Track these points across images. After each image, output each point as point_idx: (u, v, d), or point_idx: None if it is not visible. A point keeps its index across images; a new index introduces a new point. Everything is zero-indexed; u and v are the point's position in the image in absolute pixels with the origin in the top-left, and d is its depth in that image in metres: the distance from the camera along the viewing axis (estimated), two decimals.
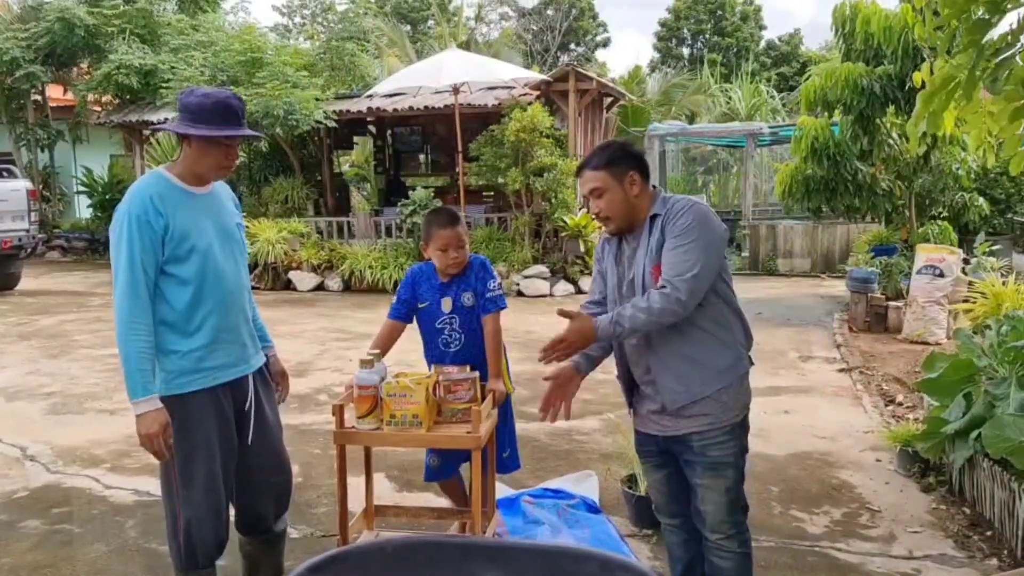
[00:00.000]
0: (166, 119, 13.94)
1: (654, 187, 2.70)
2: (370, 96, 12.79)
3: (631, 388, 2.79)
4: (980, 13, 2.90)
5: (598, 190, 2.61)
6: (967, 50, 2.92)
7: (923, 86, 3.64)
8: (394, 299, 3.36)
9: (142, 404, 2.57)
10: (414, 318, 3.34)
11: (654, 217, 2.60)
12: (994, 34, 2.97)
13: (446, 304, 3.24)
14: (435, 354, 3.29)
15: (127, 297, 2.57)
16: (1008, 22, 2.94)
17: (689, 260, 2.47)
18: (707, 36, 33.40)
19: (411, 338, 3.41)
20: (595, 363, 2.87)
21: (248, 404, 2.83)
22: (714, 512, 2.65)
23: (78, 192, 18.65)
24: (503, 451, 3.42)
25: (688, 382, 2.59)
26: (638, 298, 2.52)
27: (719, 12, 33.01)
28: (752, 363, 2.72)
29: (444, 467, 3.38)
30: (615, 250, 2.75)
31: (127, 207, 2.61)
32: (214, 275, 2.70)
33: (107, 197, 17.90)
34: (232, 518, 2.91)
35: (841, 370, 6.95)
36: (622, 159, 2.63)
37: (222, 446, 2.74)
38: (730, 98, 20.96)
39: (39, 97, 17.37)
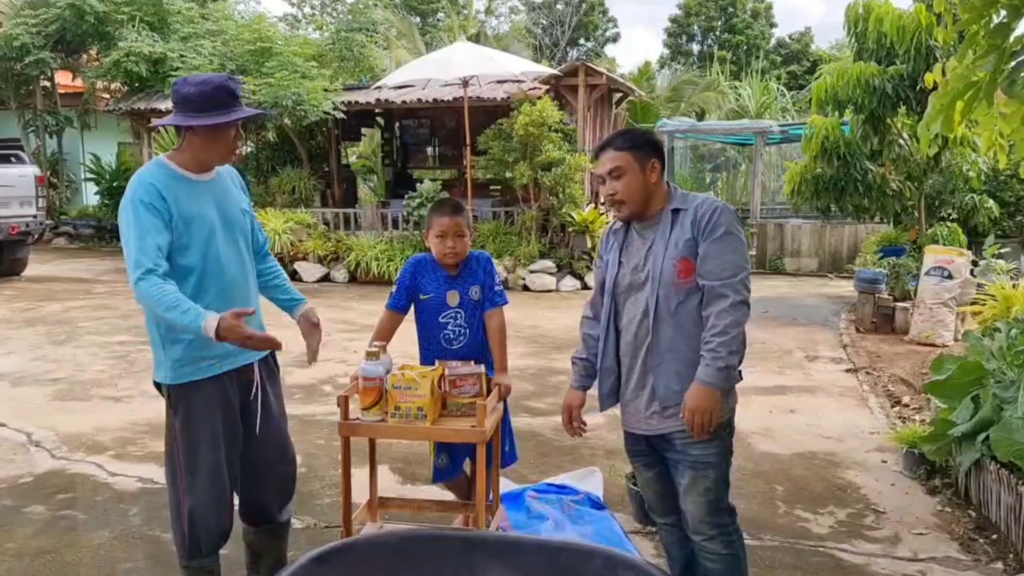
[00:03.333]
0: (169, 110, 13.94)
1: (668, 183, 2.70)
2: (379, 88, 12.75)
3: (616, 380, 2.76)
4: (1000, 17, 2.88)
5: (618, 170, 2.60)
6: (988, 55, 2.89)
7: (935, 87, 3.61)
8: (393, 288, 3.31)
9: (208, 326, 2.48)
10: (411, 309, 3.29)
11: (676, 211, 2.60)
12: (1009, 37, 2.95)
13: (452, 298, 3.21)
14: (435, 350, 3.23)
15: (144, 277, 2.52)
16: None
17: (737, 260, 2.53)
18: (717, 33, 33.31)
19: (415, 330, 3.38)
20: (594, 375, 2.89)
21: (254, 393, 2.82)
22: (694, 512, 2.65)
23: (86, 179, 18.66)
24: (503, 445, 3.40)
25: (684, 382, 2.58)
26: (709, 327, 2.50)
27: (730, 9, 32.91)
28: (741, 378, 2.70)
29: (452, 466, 3.36)
30: (622, 240, 2.74)
31: (132, 195, 2.60)
32: (215, 263, 2.69)
33: (115, 184, 17.88)
34: (236, 508, 2.91)
35: (847, 370, 6.93)
36: (646, 145, 2.64)
37: (227, 435, 2.73)
38: (739, 95, 20.89)
39: (48, 83, 17.36)
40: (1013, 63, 2.92)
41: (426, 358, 3.25)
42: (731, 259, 2.52)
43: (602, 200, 2.77)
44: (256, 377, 2.83)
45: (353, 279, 12.08)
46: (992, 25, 2.93)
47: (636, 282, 2.64)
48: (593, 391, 2.88)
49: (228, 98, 2.64)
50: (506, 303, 3.28)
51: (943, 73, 3.52)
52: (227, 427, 2.73)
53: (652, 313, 2.58)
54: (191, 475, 2.70)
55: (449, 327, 3.22)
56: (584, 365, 2.87)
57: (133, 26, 15.32)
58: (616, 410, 2.95)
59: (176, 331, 2.64)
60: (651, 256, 2.60)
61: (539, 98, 11.50)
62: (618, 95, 14.13)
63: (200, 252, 2.65)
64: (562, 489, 4.04)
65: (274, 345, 2.60)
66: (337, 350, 7.51)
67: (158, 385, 2.76)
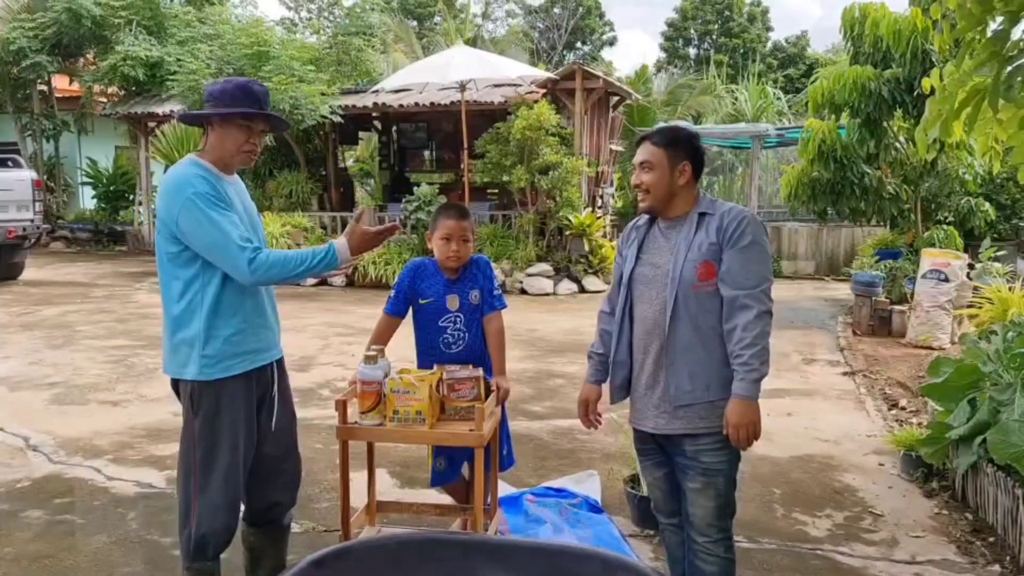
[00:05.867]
0: (172, 111, 13.94)
1: (699, 189, 2.72)
2: (376, 92, 12.78)
3: (628, 374, 2.77)
4: (997, 23, 2.89)
5: (648, 163, 2.66)
6: (990, 61, 2.90)
7: (932, 92, 3.62)
8: (391, 293, 3.30)
9: (343, 254, 2.66)
10: (408, 313, 3.29)
11: (702, 215, 2.63)
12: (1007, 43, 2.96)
13: (452, 302, 3.21)
14: (433, 354, 3.22)
15: (257, 251, 2.57)
16: (1021, 28, 2.93)
17: (761, 271, 2.57)
18: (714, 37, 33.41)
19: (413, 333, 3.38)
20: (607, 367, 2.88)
21: (270, 392, 2.84)
22: (703, 516, 2.66)
23: (83, 183, 18.66)
24: (501, 449, 3.40)
25: (697, 383, 2.59)
26: (737, 340, 2.51)
27: (726, 13, 33.01)
28: None
29: (450, 470, 3.36)
30: (643, 236, 2.75)
31: (190, 191, 2.59)
32: None
33: (111, 188, 17.91)
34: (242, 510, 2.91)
35: (845, 373, 6.94)
36: (683, 147, 2.67)
37: (245, 436, 2.75)
38: (736, 99, 20.92)
39: (45, 87, 17.38)
40: (1010, 67, 2.93)
41: (424, 362, 3.25)
42: (756, 269, 2.55)
43: (632, 184, 2.79)
44: (274, 377, 2.85)
45: (351, 283, 12.09)
46: (990, 32, 2.95)
47: (653, 278, 2.65)
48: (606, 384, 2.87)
49: (242, 95, 2.69)
50: (505, 307, 3.29)
51: (940, 78, 3.53)
52: (246, 428, 2.75)
53: (669, 312, 2.59)
54: (205, 476, 2.70)
55: (448, 331, 3.22)
56: (600, 359, 2.87)
57: (130, 30, 15.33)
58: (615, 413, 2.96)
59: (225, 325, 2.65)
60: (673, 256, 2.62)
61: (536, 102, 11.52)
62: (615, 99, 14.14)
63: None
64: (560, 493, 4.04)
65: (395, 227, 2.82)
66: (335, 354, 7.51)
67: (176, 383, 2.76)
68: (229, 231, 2.57)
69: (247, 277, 2.59)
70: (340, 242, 2.67)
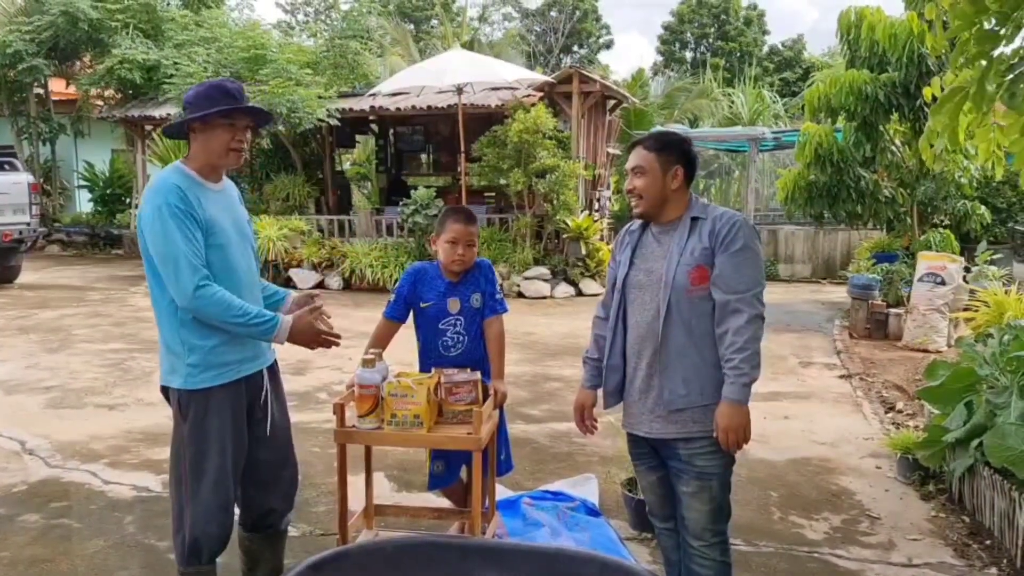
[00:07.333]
0: (168, 115, 13.93)
1: (691, 193, 2.73)
2: (373, 95, 12.79)
3: (621, 378, 2.77)
4: (991, 25, 2.90)
5: (640, 168, 2.67)
6: (976, 61, 2.91)
7: (934, 100, 3.63)
8: (392, 297, 3.31)
9: (280, 333, 2.65)
10: (410, 317, 3.30)
11: (695, 219, 2.64)
12: (1007, 49, 2.97)
13: (453, 305, 3.21)
14: (433, 357, 3.23)
15: (206, 284, 2.56)
16: (1022, 35, 2.93)
17: (753, 275, 2.58)
18: (710, 40, 33.48)
19: (412, 337, 3.38)
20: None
21: (262, 399, 2.84)
22: (697, 519, 2.66)
23: (79, 186, 18.65)
24: (499, 453, 3.40)
25: (691, 387, 2.60)
26: (728, 344, 2.52)
27: (723, 16, 33.08)
28: None
29: (448, 473, 3.36)
30: (636, 241, 2.76)
31: (161, 200, 2.58)
32: (231, 269, 2.70)
33: (108, 192, 17.90)
34: (236, 515, 2.91)
35: (841, 376, 6.95)
36: (674, 151, 2.68)
37: (235, 442, 2.74)
38: (733, 102, 20.96)
39: (41, 90, 17.36)
40: (1012, 75, 2.94)
41: (424, 365, 3.26)
42: (748, 273, 2.55)
43: (626, 190, 2.82)
44: (265, 384, 2.84)
45: (348, 286, 12.08)
46: (982, 32, 2.95)
47: (647, 283, 2.66)
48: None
49: (220, 96, 2.66)
50: (506, 311, 3.29)
51: (941, 88, 3.54)
52: (235, 434, 2.74)
53: (663, 317, 2.60)
54: (196, 481, 2.70)
55: (448, 334, 3.22)
56: (595, 365, 2.87)
57: (127, 33, 15.33)
58: (612, 416, 2.96)
59: (203, 337, 2.64)
60: (666, 261, 2.63)
61: (533, 105, 11.52)
62: (612, 102, 14.14)
63: (219, 258, 2.66)
64: (558, 496, 4.04)
65: (336, 342, 2.77)
66: (332, 357, 7.50)
67: (166, 390, 2.76)
68: (184, 250, 2.54)
69: (187, 300, 2.55)
70: (286, 320, 2.66)
